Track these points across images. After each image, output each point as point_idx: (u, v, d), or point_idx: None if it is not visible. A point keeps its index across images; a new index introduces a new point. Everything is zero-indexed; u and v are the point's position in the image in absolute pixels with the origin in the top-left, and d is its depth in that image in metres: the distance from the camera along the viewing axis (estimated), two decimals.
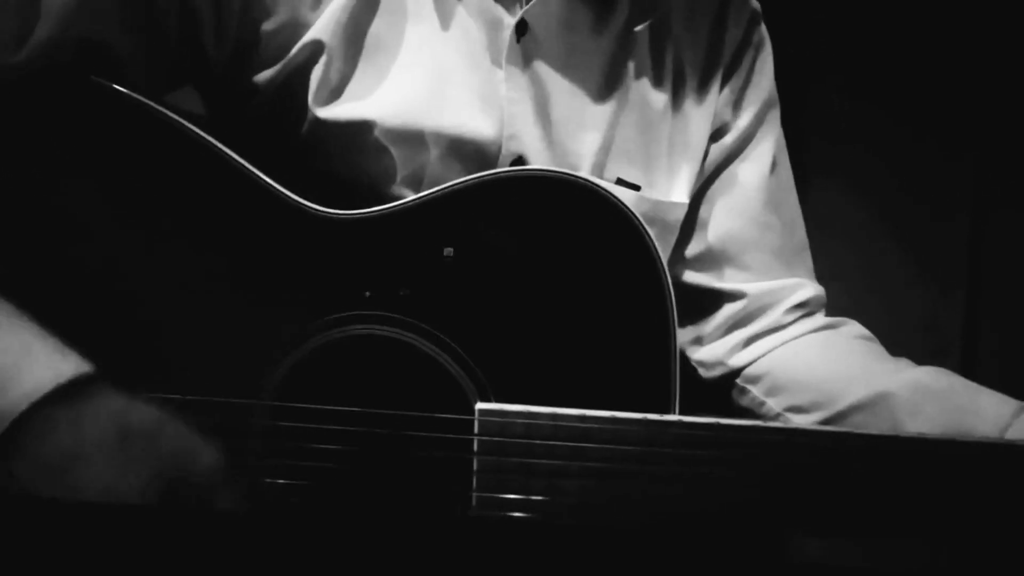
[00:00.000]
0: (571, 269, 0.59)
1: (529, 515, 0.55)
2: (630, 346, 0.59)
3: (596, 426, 0.54)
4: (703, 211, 0.78)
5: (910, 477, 0.54)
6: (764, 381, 0.77)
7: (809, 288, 0.79)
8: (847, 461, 0.54)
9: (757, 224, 0.78)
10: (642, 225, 0.57)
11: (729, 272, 0.78)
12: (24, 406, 0.44)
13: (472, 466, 0.55)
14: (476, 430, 0.55)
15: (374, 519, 0.58)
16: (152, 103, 0.58)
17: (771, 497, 0.54)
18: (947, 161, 1.63)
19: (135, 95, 0.58)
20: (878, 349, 0.77)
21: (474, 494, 0.55)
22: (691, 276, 0.78)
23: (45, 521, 0.49)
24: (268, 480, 0.55)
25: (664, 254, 0.75)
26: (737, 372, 0.79)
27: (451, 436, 0.55)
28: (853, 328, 0.80)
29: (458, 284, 0.58)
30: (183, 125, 0.58)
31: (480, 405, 0.56)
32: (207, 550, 0.50)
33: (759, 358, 0.78)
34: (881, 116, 1.63)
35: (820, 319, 0.80)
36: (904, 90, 1.63)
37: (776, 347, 0.78)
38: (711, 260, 0.78)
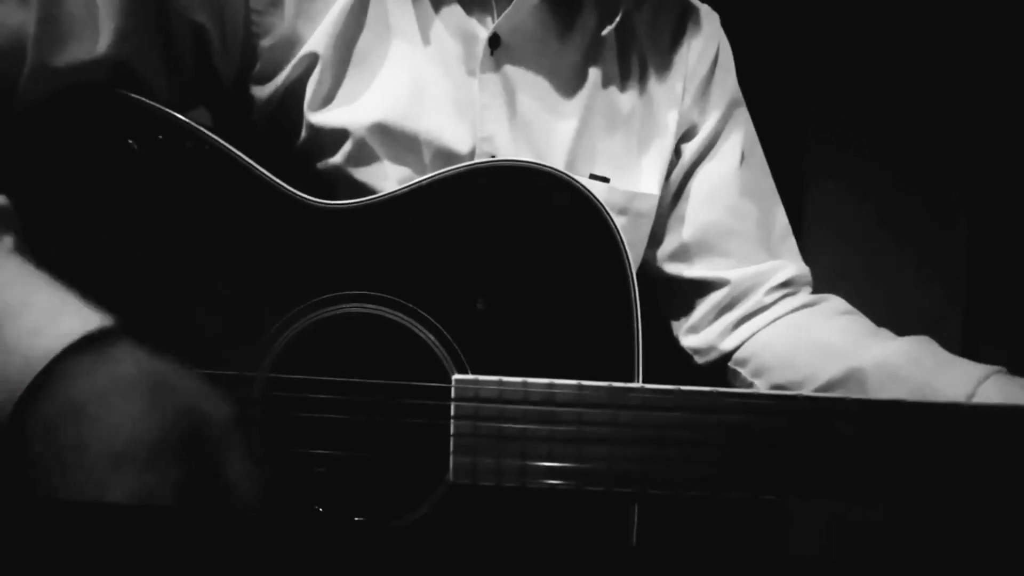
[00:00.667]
0: (543, 252, 0.63)
1: (501, 479, 0.59)
2: (597, 325, 0.63)
3: (562, 392, 0.59)
4: (681, 207, 0.83)
5: (858, 436, 0.57)
6: (752, 362, 0.81)
7: (791, 268, 0.83)
8: (801, 422, 0.58)
9: (732, 212, 0.82)
10: (605, 210, 0.62)
11: (711, 261, 0.82)
12: (56, 351, 0.46)
13: (449, 431, 0.59)
14: (452, 396, 0.59)
15: (361, 485, 0.63)
16: (172, 111, 0.64)
17: (730, 457, 0.58)
18: (947, 162, 1.65)
19: (157, 104, 0.64)
20: (858, 324, 0.80)
21: (451, 457, 0.59)
22: (676, 269, 0.83)
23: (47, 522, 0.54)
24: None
25: (640, 243, 0.80)
26: (729, 355, 0.83)
27: (430, 403, 0.60)
28: (834, 304, 0.83)
29: (439, 267, 0.63)
30: (201, 131, 0.64)
31: (456, 376, 0.60)
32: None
33: (746, 340, 0.82)
34: (881, 118, 1.65)
35: (803, 297, 0.84)
36: (904, 92, 1.64)
37: (760, 328, 0.82)
38: (693, 252, 0.82)
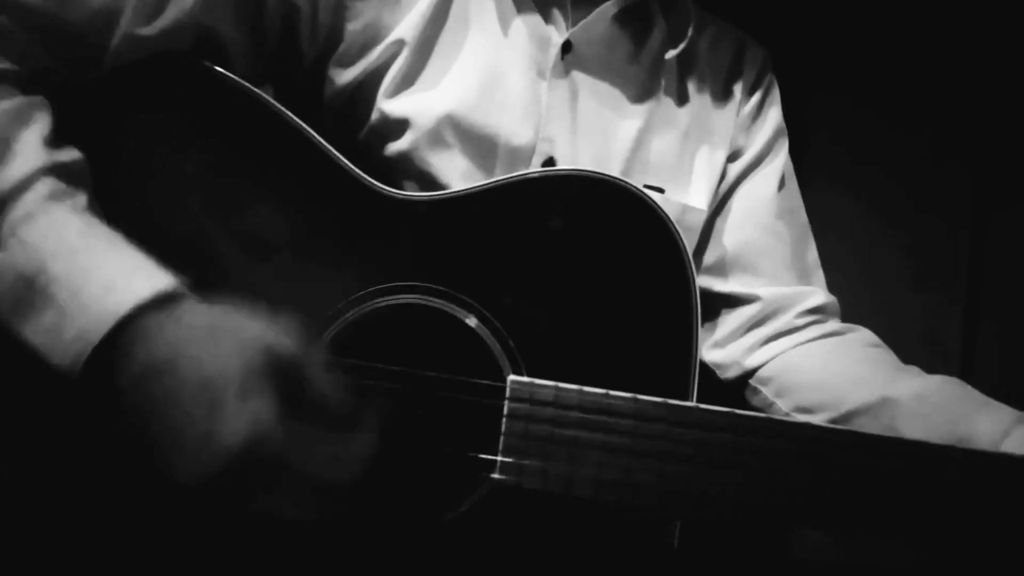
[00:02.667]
0: (607, 263, 0.63)
1: (546, 484, 0.58)
2: (655, 339, 0.63)
3: (619, 403, 0.58)
4: (719, 223, 0.84)
5: (901, 480, 0.57)
6: (775, 382, 0.82)
7: (822, 295, 0.85)
8: (856, 458, 0.58)
9: (769, 233, 0.84)
10: (672, 224, 0.63)
11: (744, 278, 0.83)
12: (130, 307, 0.49)
13: (500, 430, 0.59)
14: (507, 396, 0.59)
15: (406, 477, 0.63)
16: (253, 88, 0.65)
17: (777, 486, 0.58)
18: (947, 165, 1.63)
19: (238, 79, 0.65)
20: (888, 357, 0.81)
21: (499, 458, 0.59)
22: (709, 282, 0.84)
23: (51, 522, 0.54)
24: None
25: None
26: (751, 373, 0.83)
27: (483, 401, 0.60)
28: (864, 335, 0.84)
29: (504, 268, 0.63)
30: (281, 111, 0.65)
31: (512, 377, 0.60)
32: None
33: (772, 359, 0.82)
34: (882, 120, 1.64)
35: (833, 324, 0.85)
36: (905, 94, 1.64)
37: (788, 349, 0.82)
38: (728, 266, 0.84)
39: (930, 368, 0.77)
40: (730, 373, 0.84)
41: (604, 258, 0.63)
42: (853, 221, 1.63)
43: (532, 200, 0.64)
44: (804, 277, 0.85)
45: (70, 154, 0.57)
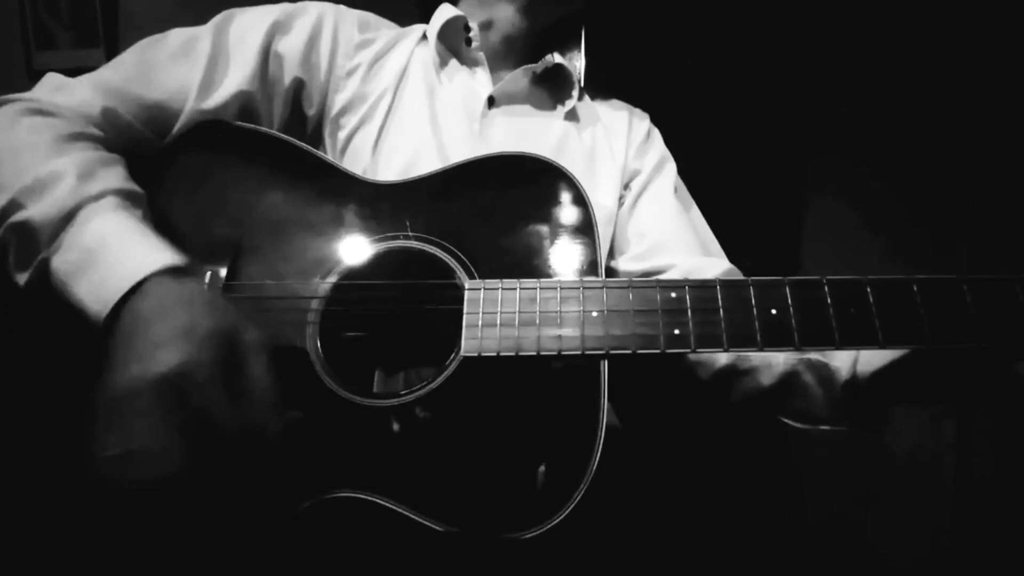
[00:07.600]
0: (535, 208, 0.88)
1: (501, 348, 0.78)
2: (571, 249, 0.86)
3: (546, 287, 0.80)
4: (635, 224, 1.10)
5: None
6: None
7: (726, 263, 1.07)
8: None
9: (676, 225, 1.09)
10: (575, 179, 0.88)
11: (663, 258, 1.07)
12: (143, 274, 0.70)
13: (461, 322, 0.80)
14: (466, 287, 0.81)
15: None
16: (274, 133, 0.96)
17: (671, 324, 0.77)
18: (945, 171, 1.71)
19: (264, 129, 0.96)
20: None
21: (463, 335, 0.79)
22: (635, 266, 1.07)
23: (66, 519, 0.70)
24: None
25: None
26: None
27: (450, 293, 0.82)
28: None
29: (464, 218, 0.88)
30: (292, 142, 0.94)
31: (467, 282, 0.82)
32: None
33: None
34: (880, 127, 1.75)
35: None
36: (903, 102, 1.74)
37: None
38: (649, 252, 1.07)
39: None
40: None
41: (532, 204, 0.88)
42: (852, 224, 1.73)
43: (479, 172, 0.91)
44: (708, 252, 1.09)
45: (137, 187, 0.83)
